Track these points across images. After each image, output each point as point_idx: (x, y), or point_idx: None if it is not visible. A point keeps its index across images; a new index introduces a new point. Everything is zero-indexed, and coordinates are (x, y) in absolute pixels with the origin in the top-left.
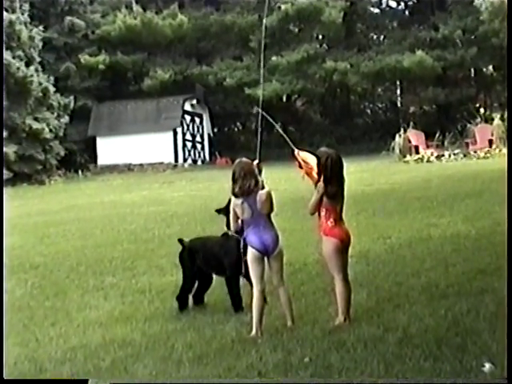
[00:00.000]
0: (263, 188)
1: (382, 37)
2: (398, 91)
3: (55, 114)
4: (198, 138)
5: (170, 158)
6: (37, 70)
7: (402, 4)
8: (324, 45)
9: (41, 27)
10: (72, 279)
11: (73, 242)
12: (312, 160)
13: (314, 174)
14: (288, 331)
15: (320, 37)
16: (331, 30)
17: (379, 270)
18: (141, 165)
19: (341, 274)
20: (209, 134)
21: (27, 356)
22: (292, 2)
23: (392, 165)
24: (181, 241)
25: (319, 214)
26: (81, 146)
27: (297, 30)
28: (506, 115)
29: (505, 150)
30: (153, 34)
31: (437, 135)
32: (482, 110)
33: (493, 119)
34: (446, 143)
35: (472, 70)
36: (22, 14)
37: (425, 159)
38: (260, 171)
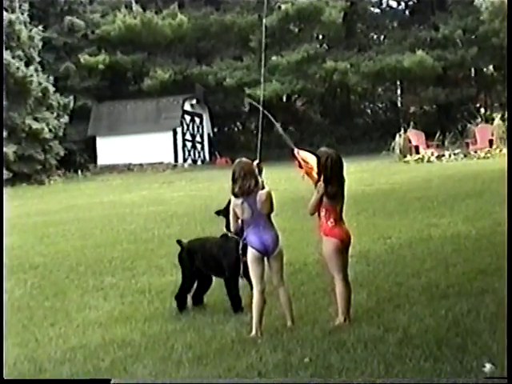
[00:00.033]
0: (263, 188)
1: (382, 37)
2: (399, 91)
3: (55, 114)
4: (198, 138)
5: (169, 158)
6: (36, 70)
7: (403, 4)
8: (324, 45)
9: (40, 27)
10: (71, 279)
11: (72, 242)
12: (312, 159)
13: (314, 173)
14: (288, 331)
15: (320, 37)
16: (331, 30)
17: (379, 271)
18: (140, 165)
19: (341, 274)
20: (209, 134)
21: (27, 356)
22: (292, 1)
23: (392, 165)
24: (179, 242)
25: (319, 214)
26: (80, 146)
27: (297, 29)
28: (506, 115)
29: (505, 150)
30: (152, 34)
31: (437, 135)
32: (482, 110)
33: (493, 119)
34: (446, 143)
35: (472, 70)
36: (22, 13)
37: (425, 159)
38: (260, 171)
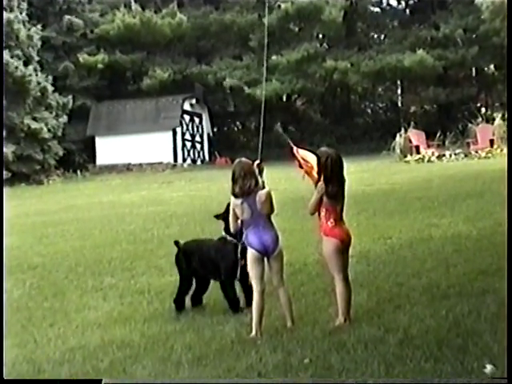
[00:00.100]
0: (263, 188)
1: (382, 36)
2: (399, 91)
3: (54, 114)
4: (198, 138)
5: (169, 158)
6: (35, 70)
7: (403, 3)
8: (324, 44)
9: (39, 26)
10: (71, 280)
11: (71, 243)
12: (311, 158)
13: (314, 172)
14: (288, 332)
15: (320, 36)
16: (331, 29)
17: (380, 271)
18: (140, 165)
19: (341, 274)
20: (208, 134)
21: (25, 357)
22: (292, 0)
23: (393, 165)
24: (176, 243)
25: (319, 214)
26: (79, 146)
27: (297, 29)
28: (506, 115)
29: (506, 150)
30: (152, 33)
31: (438, 135)
32: (483, 110)
33: (494, 119)
34: (446, 143)
35: (473, 70)
36: (21, 12)
37: (426, 159)
38: (261, 171)
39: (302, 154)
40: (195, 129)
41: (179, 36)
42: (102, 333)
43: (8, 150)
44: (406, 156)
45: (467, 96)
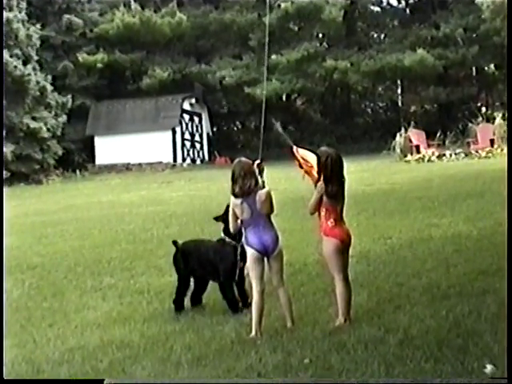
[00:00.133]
0: (263, 188)
1: (382, 35)
2: (399, 90)
3: (53, 113)
4: (197, 138)
5: (168, 158)
6: (34, 69)
7: (403, 2)
8: (324, 43)
9: (38, 25)
10: (70, 280)
11: (71, 243)
12: (311, 158)
13: (314, 172)
14: (288, 332)
15: (320, 35)
16: (331, 29)
17: (380, 271)
18: (139, 164)
19: (341, 274)
20: (208, 134)
21: (24, 357)
22: (292, 0)
23: (393, 164)
24: (175, 243)
25: (319, 214)
26: (79, 146)
27: (297, 28)
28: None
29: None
30: (151, 33)
31: (438, 134)
32: (483, 109)
33: (494, 118)
34: (447, 143)
35: (473, 69)
36: (20, 12)
37: (426, 159)
38: (262, 171)
39: (302, 153)
40: (195, 128)
41: (179, 35)
42: (102, 333)
43: (7, 149)
44: (406, 156)
45: (467, 95)
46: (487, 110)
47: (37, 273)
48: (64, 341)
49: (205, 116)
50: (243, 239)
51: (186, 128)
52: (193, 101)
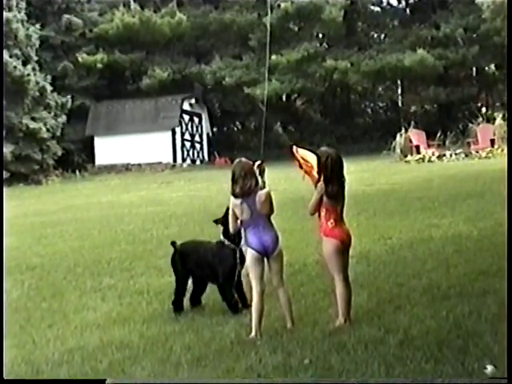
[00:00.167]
0: (263, 188)
1: (382, 35)
2: (399, 90)
3: (52, 114)
4: (197, 138)
5: (168, 158)
6: (34, 69)
7: (403, 2)
8: (324, 43)
9: (38, 25)
10: (69, 280)
11: (70, 243)
12: (311, 158)
13: (314, 172)
14: (288, 333)
15: (320, 35)
16: (331, 29)
17: (380, 271)
18: (139, 165)
19: (341, 274)
20: (208, 134)
21: (24, 358)
22: (292, 0)
23: (393, 165)
24: (173, 243)
25: (319, 215)
26: (78, 146)
27: (297, 28)
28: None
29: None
30: (151, 33)
31: (438, 135)
32: (483, 110)
33: (495, 118)
34: (447, 143)
35: (474, 69)
36: (19, 12)
37: (426, 159)
38: (263, 172)
39: (302, 153)
40: (194, 129)
41: (178, 35)
42: (101, 333)
43: (7, 149)
44: (406, 156)
45: (468, 96)
46: (487, 110)
47: (36, 273)
48: (63, 341)
49: (204, 116)
50: (243, 240)
51: (186, 128)
52: (192, 101)
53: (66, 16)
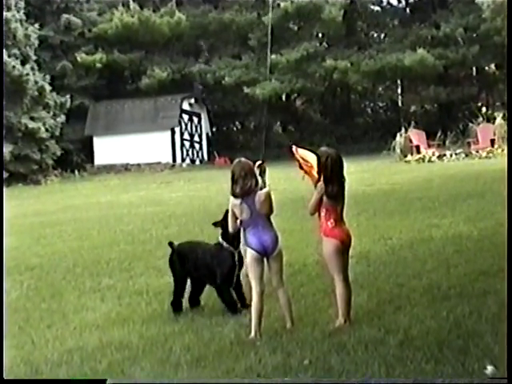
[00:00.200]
0: (263, 188)
1: (382, 35)
2: (399, 90)
3: (51, 113)
4: (197, 138)
5: (167, 158)
6: (33, 69)
7: (403, 2)
8: (324, 43)
9: (36, 25)
10: (68, 281)
11: (69, 243)
12: (311, 158)
13: (314, 172)
14: (287, 333)
15: (320, 35)
16: (331, 28)
17: (380, 272)
18: (138, 165)
19: (341, 275)
20: (207, 134)
21: (23, 358)
22: None
23: (393, 165)
24: (171, 244)
25: (319, 215)
26: (77, 146)
27: (296, 28)
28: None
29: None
30: (150, 32)
31: (438, 135)
32: (484, 109)
33: (495, 118)
34: (447, 143)
35: (474, 69)
36: (18, 11)
37: (426, 159)
38: (263, 172)
39: (302, 153)
40: (194, 128)
41: (178, 35)
42: (100, 334)
43: (5, 149)
44: (406, 156)
45: (468, 95)
46: (488, 109)
47: (35, 274)
48: (63, 342)
49: (204, 116)
50: (242, 240)
51: (185, 128)
52: (192, 101)
53: (65, 16)
